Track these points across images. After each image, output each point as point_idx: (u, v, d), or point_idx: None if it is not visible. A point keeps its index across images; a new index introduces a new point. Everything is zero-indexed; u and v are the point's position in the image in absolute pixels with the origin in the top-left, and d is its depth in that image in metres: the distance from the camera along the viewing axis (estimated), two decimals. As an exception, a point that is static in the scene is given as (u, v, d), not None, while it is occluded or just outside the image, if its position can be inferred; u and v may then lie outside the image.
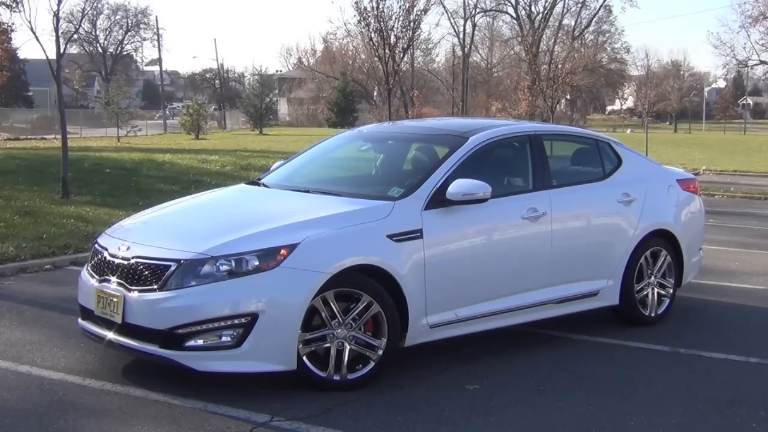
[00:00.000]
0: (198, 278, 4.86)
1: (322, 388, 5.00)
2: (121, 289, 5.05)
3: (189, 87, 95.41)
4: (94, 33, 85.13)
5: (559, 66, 31.46)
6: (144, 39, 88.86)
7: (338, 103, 63.59)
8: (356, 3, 20.30)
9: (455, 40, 63.51)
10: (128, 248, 5.20)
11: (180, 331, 4.82)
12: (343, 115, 61.81)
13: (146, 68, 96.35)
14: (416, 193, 5.57)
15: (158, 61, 67.25)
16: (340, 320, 5.02)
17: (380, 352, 5.13)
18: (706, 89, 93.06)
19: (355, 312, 5.06)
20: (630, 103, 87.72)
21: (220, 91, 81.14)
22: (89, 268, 5.52)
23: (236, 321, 4.81)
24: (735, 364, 5.85)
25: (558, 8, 65.54)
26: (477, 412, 4.80)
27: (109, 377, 5.22)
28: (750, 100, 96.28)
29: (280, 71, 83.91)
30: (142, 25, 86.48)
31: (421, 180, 5.70)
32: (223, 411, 4.68)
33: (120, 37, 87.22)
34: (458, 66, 61.99)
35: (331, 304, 4.99)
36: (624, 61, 78.00)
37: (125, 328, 5.01)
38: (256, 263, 4.88)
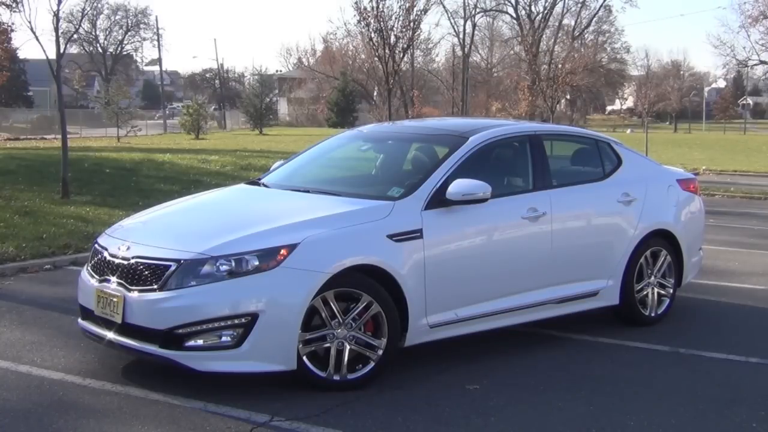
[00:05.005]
0: (198, 278, 4.86)
1: (322, 388, 5.00)
2: (121, 289, 5.05)
3: (189, 87, 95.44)
4: (94, 33, 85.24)
5: (559, 66, 31.44)
6: (144, 39, 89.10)
7: (338, 103, 63.56)
8: (356, 3, 20.30)
9: (455, 40, 63.53)
10: (128, 248, 5.20)
11: (180, 331, 4.82)
12: (343, 115, 61.78)
13: (146, 68, 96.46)
14: (416, 193, 5.57)
15: (158, 61, 67.32)
16: (340, 320, 5.02)
17: (380, 352, 5.13)
18: (706, 89, 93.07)
19: (355, 312, 5.06)
20: (630, 103, 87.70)
21: (220, 91, 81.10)
22: (89, 268, 5.52)
23: (236, 321, 4.81)
24: (735, 364, 5.85)
25: (558, 8, 65.60)
26: (477, 412, 4.80)
27: (109, 377, 5.22)
28: (750, 100, 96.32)
29: (280, 71, 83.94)
30: (142, 25, 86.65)
31: (421, 180, 5.70)
32: (223, 411, 4.68)
33: (120, 37, 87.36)
34: (458, 66, 61.96)
35: (331, 304, 4.99)
36: (624, 61, 78.06)
37: (125, 328, 5.01)
38: (256, 263, 4.88)
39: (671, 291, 6.95)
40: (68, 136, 14.58)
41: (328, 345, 5.02)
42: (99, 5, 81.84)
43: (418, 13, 21.23)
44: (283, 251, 4.92)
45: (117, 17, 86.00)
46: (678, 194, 7.13)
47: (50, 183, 14.23)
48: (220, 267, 4.87)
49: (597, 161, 6.89)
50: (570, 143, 7.16)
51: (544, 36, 63.30)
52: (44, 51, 13.44)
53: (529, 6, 65.28)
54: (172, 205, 6.26)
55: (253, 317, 4.81)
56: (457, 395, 5.06)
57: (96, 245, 5.61)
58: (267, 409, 4.69)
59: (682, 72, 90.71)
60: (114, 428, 4.46)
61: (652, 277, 6.80)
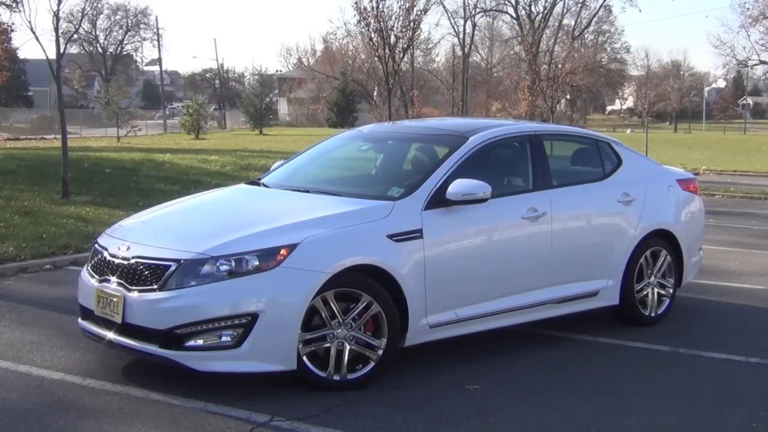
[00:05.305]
0: (198, 278, 4.86)
1: (322, 388, 5.00)
2: (121, 289, 5.05)
3: (189, 87, 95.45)
4: (94, 33, 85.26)
5: (559, 66, 31.40)
6: (144, 39, 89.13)
7: (338, 103, 63.57)
8: (356, 3, 20.29)
9: (455, 40, 63.45)
10: (128, 248, 5.20)
11: (180, 331, 4.82)
12: (343, 115, 61.78)
13: (146, 68, 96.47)
14: (416, 193, 5.57)
15: (158, 61, 67.33)
16: (340, 320, 5.02)
17: (380, 352, 5.13)
18: (706, 89, 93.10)
19: (355, 312, 5.06)
20: (630, 103, 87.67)
21: (220, 91, 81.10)
22: (89, 268, 5.52)
23: (236, 321, 4.81)
24: (735, 364, 5.85)
25: (558, 8, 65.48)
26: (477, 412, 4.80)
27: (109, 377, 5.22)
28: (750, 100, 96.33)
29: (280, 71, 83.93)
30: (142, 25, 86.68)
31: (421, 180, 5.70)
32: (223, 411, 4.68)
33: (120, 37, 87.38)
34: (458, 66, 61.93)
35: (331, 304, 4.99)
36: (624, 61, 78.04)
37: (125, 328, 5.01)
38: (256, 263, 4.88)
39: (671, 291, 6.95)
40: (68, 136, 14.58)
41: (328, 345, 5.01)
42: (99, 5, 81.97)
43: (418, 13, 21.24)
44: (283, 251, 4.92)
45: (117, 17, 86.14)
46: (678, 194, 7.13)
47: (50, 183, 14.22)
48: (220, 267, 4.87)
49: (597, 161, 6.89)
50: (570, 143, 7.15)
51: (544, 36, 63.20)
52: (44, 51, 13.45)
53: (529, 6, 65.25)
54: (172, 205, 6.26)
55: (253, 317, 4.81)
56: (457, 395, 5.06)
57: (96, 245, 5.61)
58: (267, 409, 4.69)
59: (682, 72, 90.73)
60: (114, 428, 4.46)
61: (652, 277, 6.80)
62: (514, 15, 66.14)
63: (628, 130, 61.92)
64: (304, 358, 4.95)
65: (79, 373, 5.31)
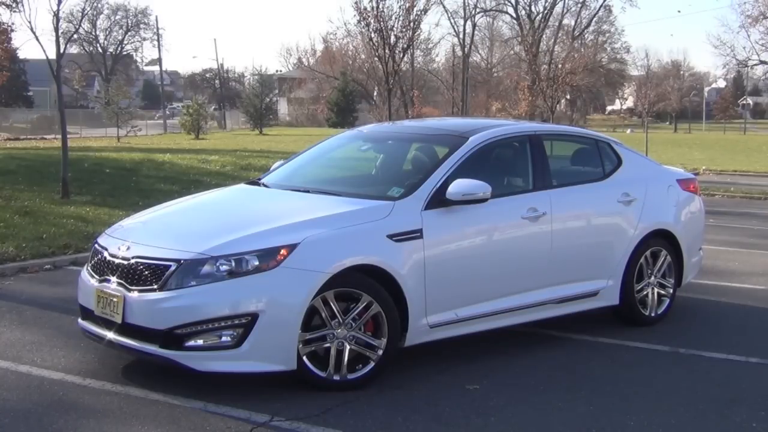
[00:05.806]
0: (198, 278, 4.86)
1: (322, 388, 5.00)
2: (121, 289, 5.05)
3: (189, 87, 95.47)
4: (94, 33, 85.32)
5: (559, 66, 31.41)
6: (144, 39, 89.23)
7: (338, 103, 63.57)
8: (356, 3, 20.29)
9: (455, 40, 63.53)
10: (128, 248, 5.20)
11: (180, 331, 4.82)
12: (343, 115, 61.78)
13: (146, 68, 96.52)
14: (416, 193, 5.57)
15: (158, 61, 67.34)
16: (340, 320, 5.02)
17: (380, 352, 5.13)
18: (706, 89, 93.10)
19: (355, 312, 5.06)
20: (630, 103, 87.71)
21: (220, 91, 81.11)
22: (89, 268, 5.52)
23: (236, 321, 4.81)
24: (735, 364, 5.85)
25: (558, 8, 65.60)
26: (477, 412, 4.80)
27: (109, 377, 5.22)
28: (750, 100, 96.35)
29: (280, 71, 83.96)
30: (142, 25, 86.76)
31: (421, 180, 5.70)
32: (223, 411, 4.68)
33: (120, 37, 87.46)
34: (458, 66, 61.98)
35: (331, 304, 4.99)
36: (624, 61, 78.09)
37: (125, 328, 5.01)
38: (256, 263, 4.88)
39: (671, 291, 6.95)
40: (68, 136, 14.57)
41: (328, 345, 5.01)
42: (99, 5, 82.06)
43: (418, 13, 21.22)
44: (283, 251, 4.92)
45: (117, 17, 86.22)
46: (678, 194, 7.13)
47: (50, 183, 14.23)
48: (220, 267, 4.87)
49: (597, 161, 6.89)
50: (570, 143, 7.15)
51: (544, 36, 63.25)
52: (44, 51, 13.46)
53: (529, 6, 65.35)
54: (172, 205, 6.26)
55: (253, 317, 4.81)
56: (457, 395, 5.06)
57: (96, 245, 5.61)
58: (267, 409, 4.69)
59: (682, 72, 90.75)
60: (114, 428, 4.46)
61: (652, 277, 6.80)
62: (514, 15, 66.23)
63: (628, 130, 61.93)
64: (304, 358, 4.95)
65: (79, 373, 5.31)
